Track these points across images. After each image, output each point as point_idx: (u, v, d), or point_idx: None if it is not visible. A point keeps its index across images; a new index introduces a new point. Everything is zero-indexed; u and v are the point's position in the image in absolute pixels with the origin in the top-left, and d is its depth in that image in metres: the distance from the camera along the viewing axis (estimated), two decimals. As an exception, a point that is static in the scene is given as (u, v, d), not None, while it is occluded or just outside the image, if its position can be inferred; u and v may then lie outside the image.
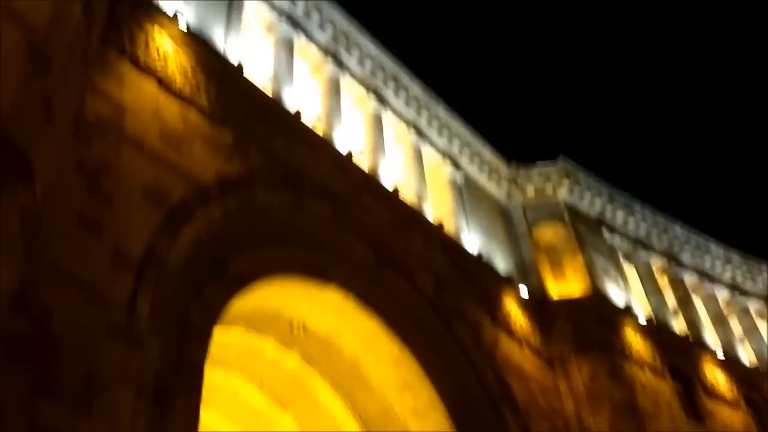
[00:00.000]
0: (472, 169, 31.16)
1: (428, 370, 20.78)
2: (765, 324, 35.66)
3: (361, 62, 27.15)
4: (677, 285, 33.90)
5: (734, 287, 36.19)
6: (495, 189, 32.06)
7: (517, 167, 32.84)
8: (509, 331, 24.54)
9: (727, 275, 36.32)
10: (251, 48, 23.30)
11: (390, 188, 23.67)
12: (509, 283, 27.09)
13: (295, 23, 24.87)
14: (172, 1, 19.43)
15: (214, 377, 18.01)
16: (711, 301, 34.87)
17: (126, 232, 13.74)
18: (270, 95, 21.37)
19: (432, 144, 29.33)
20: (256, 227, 17.85)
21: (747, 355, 33.37)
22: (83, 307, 12.15)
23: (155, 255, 13.85)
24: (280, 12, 24.62)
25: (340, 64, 26.18)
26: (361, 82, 27.02)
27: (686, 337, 31.15)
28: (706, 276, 35.55)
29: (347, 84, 26.28)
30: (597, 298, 28.41)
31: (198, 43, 18.54)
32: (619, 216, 33.87)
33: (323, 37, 25.98)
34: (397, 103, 28.34)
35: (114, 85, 15.53)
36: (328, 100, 24.73)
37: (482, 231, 28.80)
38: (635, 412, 24.70)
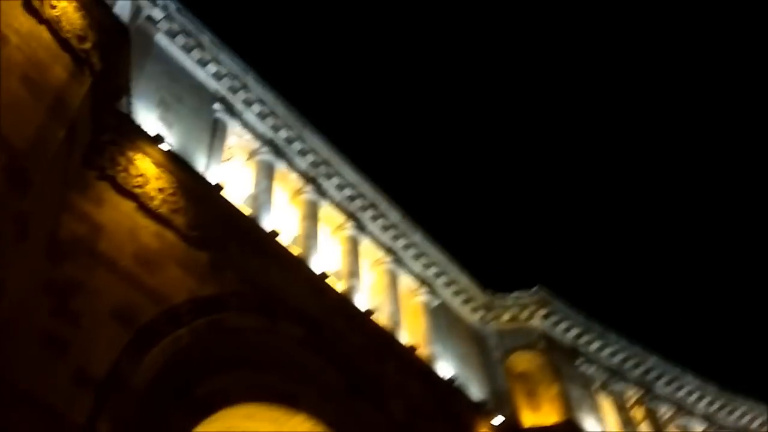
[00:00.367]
0: (448, 295, 31.19)
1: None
2: (740, 458, 34.98)
3: (340, 189, 27.62)
4: (652, 416, 33.34)
5: (710, 420, 35.64)
6: (470, 315, 32.02)
7: (493, 295, 32.93)
8: (482, 459, 23.79)
9: (703, 408, 35.86)
10: (232, 172, 23.73)
11: (364, 312, 23.50)
12: (483, 410, 26.51)
13: (276, 150, 25.48)
14: (155, 124, 19.94)
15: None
16: (686, 434, 34.27)
17: (91, 352, 13.43)
18: (249, 218, 21.51)
19: (408, 269, 29.44)
20: (226, 351, 17.49)
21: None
22: (40, 430, 11.75)
23: (118, 376, 13.50)
24: (263, 140, 25.29)
25: (319, 190, 26.64)
26: (340, 207, 27.40)
27: (662, 470, 30.38)
28: (681, 408, 35.07)
29: (325, 209, 26.61)
30: (571, 429, 27.82)
31: (179, 165, 18.80)
32: (595, 345, 33.71)
33: (304, 163, 26.55)
34: (375, 228, 28.65)
35: (91, 206, 15.59)
36: (305, 224, 24.98)
37: (457, 357, 28.50)
38: None
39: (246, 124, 24.97)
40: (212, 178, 20.39)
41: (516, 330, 32.29)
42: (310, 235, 24.53)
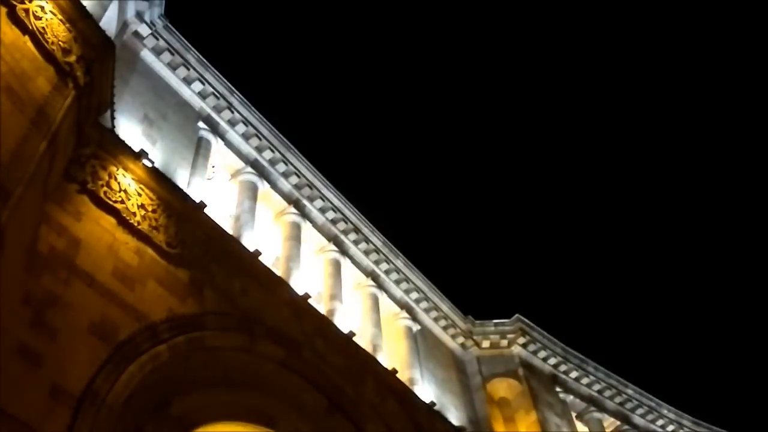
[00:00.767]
0: (429, 321, 31.10)
1: None
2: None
3: (323, 211, 27.48)
4: (630, 446, 33.30)
5: (685, 451, 35.69)
6: (451, 341, 31.93)
7: (474, 322, 32.87)
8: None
9: (679, 439, 35.90)
10: (215, 191, 23.52)
11: (345, 334, 23.22)
12: (461, 435, 26.24)
13: (260, 171, 25.33)
14: (139, 140, 19.72)
15: None
16: (663, 464, 34.25)
17: (67, 367, 13.12)
18: (231, 237, 21.25)
19: (390, 294, 29.32)
20: (204, 369, 17.21)
21: None
22: (12, 446, 11.40)
23: (95, 392, 13.19)
24: (247, 160, 25.15)
25: (302, 212, 26.49)
26: (322, 230, 27.27)
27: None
28: (658, 438, 35.10)
29: (308, 231, 26.46)
30: (550, 456, 27.62)
31: (161, 182, 18.57)
32: (573, 375, 33.73)
33: (287, 185, 26.41)
34: (357, 252, 28.54)
35: (71, 220, 15.31)
36: (288, 245, 24.78)
37: (436, 382, 28.28)
38: None
39: (230, 144, 24.84)
40: (195, 196, 20.14)
41: (496, 357, 32.22)
42: (292, 257, 24.32)
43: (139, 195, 17.66)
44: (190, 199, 19.61)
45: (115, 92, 17.86)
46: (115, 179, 17.16)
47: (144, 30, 22.64)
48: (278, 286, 21.39)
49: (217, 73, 24.88)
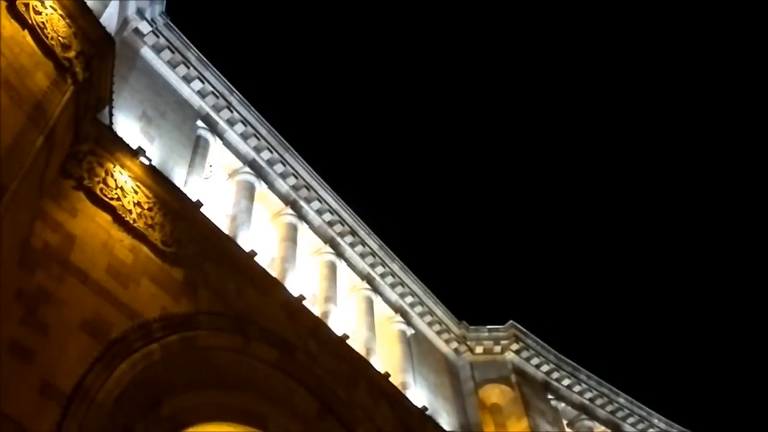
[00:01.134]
0: (423, 325, 31.07)
1: None
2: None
3: (320, 213, 27.42)
4: (620, 454, 33.30)
5: (676, 460, 35.73)
6: (444, 346, 31.91)
7: (468, 327, 32.82)
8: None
9: (669, 448, 35.93)
10: (212, 190, 23.40)
11: (339, 337, 23.11)
12: (453, 441, 26.18)
13: (258, 171, 25.24)
14: (137, 137, 19.60)
15: None
16: (653, 473, 34.24)
17: (58, 363, 13.00)
18: (227, 236, 21.12)
19: (384, 297, 29.27)
20: (196, 369, 17.07)
21: None
22: (0, 442, 11.29)
23: (85, 389, 13.06)
24: (245, 160, 25.06)
25: (299, 213, 26.41)
26: (318, 232, 27.19)
27: None
28: (648, 448, 35.11)
29: (305, 232, 26.38)
30: (541, 463, 27.55)
31: (157, 180, 18.44)
32: (566, 382, 33.74)
33: (285, 186, 26.32)
34: (353, 255, 28.49)
35: (66, 216, 15.17)
36: (284, 246, 24.69)
37: (429, 386, 28.21)
38: None
39: (228, 144, 24.75)
40: (192, 195, 20.03)
41: (489, 363, 32.18)
42: (288, 258, 24.23)
43: (136, 193, 17.54)
44: (187, 197, 19.49)
45: (114, 89, 17.73)
46: (112, 176, 17.03)
47: (144, 27, 22.54)
48: (273, 287, 21.27)
49: (217, 72, 24.79)
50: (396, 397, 24.40)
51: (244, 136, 25.34)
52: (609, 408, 34.53)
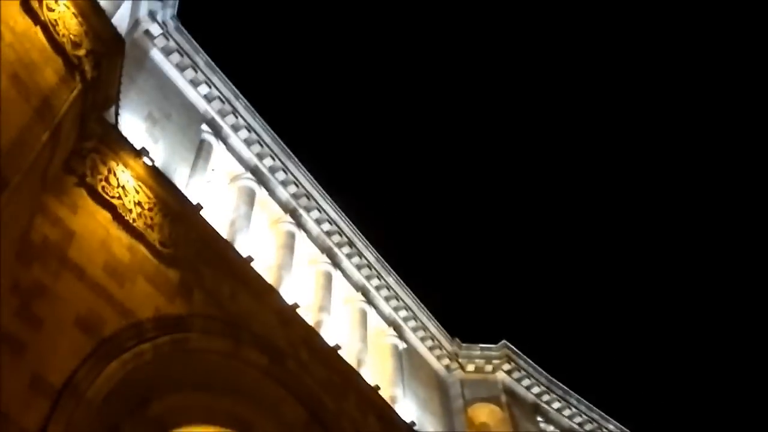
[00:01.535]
0: (416, 340, 31.15)
1: None
2: None
3: (319, 223, 27.55)
4: (606, 482, 33.25)
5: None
6: (436, 362, 32.00)
7: (460, 344, 32.87)
8: None
9: (657, 478, 35.95)
10: (213, 193, 23.53)
11: (331, 347, 23.19)
12: (440, 458, 26.20)
13: (259, 178, 25.40)
14: (141, 137, 19.77)
15: None
16: (640, 502, 34.19)
17: (49, 358, 13.08)
18: (224, 240, 21.24)
19: (378, 310, 29.36)
20: (187, 371, 17.16)
21: None
22: (-12, 434, 11.37)
23: (75, 385, 13.15)
24: (247, 166, 25.22)
25: (298, 221, 26.54)
26: (316, 241, 27.31)
27: None
28: (635, 476, 35.09)
29: (302, 241, 26.49)
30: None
31: (159, 181, 18.59)
32: (555, 405, 33.73)
33: (285, 194, 26.47)
34: (349, 266, 28.60)
35: (66, 212, 15.29)
36: (281, 254, 24.80)
37: (418, 401, 28.25)
38: None
39: (231, 149, 24.92)
40: (192, 198, 20.17)
41: (479, 381, 32.20)
42: (284, 265, 24.33)
43: (137, 192, 17.68)
44: (187, 200, 19.63)
45: (121, 89, 17.89)
46: (114, 175, 17.18)
47: (155, 29, 22.76)
48: (268, 293, 21.37)
49: (225, 77, 24.99)
50: (384, 411, 24.44)
51: (248, 143, 25.52)
52: (598, 434, 34.53)
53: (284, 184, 26.54)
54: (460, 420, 29.97)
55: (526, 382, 33.05)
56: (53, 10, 14.49)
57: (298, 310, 22.29)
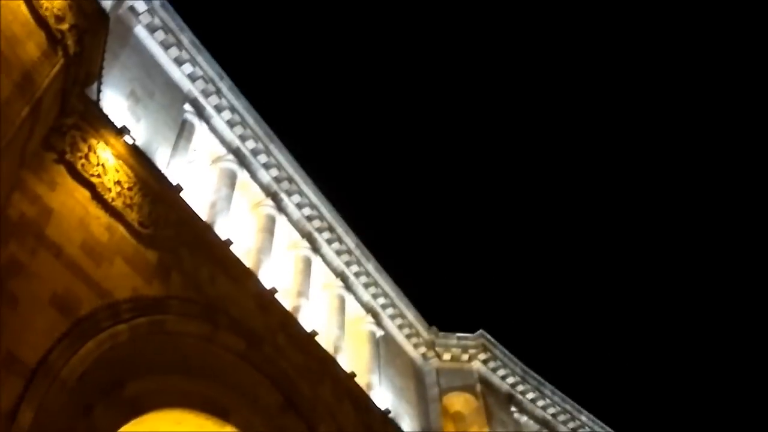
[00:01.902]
0: (393, 327, 31.21)
1: None
2: None
3: (300, 207, 27.44)
4: (579, 473, 33.65)
5: (634, 482, 36.21)
6: (412, 350, 32.11)
7: (437, 333, 33.00)
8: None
9: (628, 469, 36.43)
10: (194, 174, 23.35)
11: (308, 333, 23.19)
12: (413, 446, 26.36)
13: (241, 160, 25.24)
14: (123, 115, 19.56)
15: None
16: (611, 494, 34.65)
17: (24, 337, 12.95)
18: (204, 223, 21.12)
19: (357, 297, 29.38)
20: (163, 353, 17.06)
21: None
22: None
23: (49, 365, 13.04)
24: (229, 147, 25.05)
25: (279, 205, 26.43)
26: (297, 225, 27.22)
27: None
28: (607, 467, 35.52)
29: (282, 225, 26.40)
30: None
31: (140, 160, 18.42)
32: (530, 396, 34.01)
33: (267, 177, 26.33)
34: (329, 251, 28.53)
35: (45, 189, 15.10)
36: (260, 237, 24.71)
37: (394, 389, 28.36)
38: None
39: (214, 130, 24.72)
40: (173, 178, 20.02)
41: (455, 370, 32.38)
42: (264, 249, 24.25)
43: (117, 171, 17.50)
44: (167, 180, 19.48)
45: (104, 65, 17.70)
46: (95, 152, 16.99)
47: (140, 6, 22.48)
48: (246, 277, 21.32)
49: (210, 56, 24.74)
50: (360, 398, 24.54)
51: (231, 124, 25.33)
52: (571, 425, 34.85)
53: (266, 167, 26.39)
54: (434, 408, 30.15)
55: (502, 372, 33.29)
56: (37, -18, 14.25)
57: (276, 295, 22.26)
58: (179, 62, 23.86)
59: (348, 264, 29.24)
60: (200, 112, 24.17)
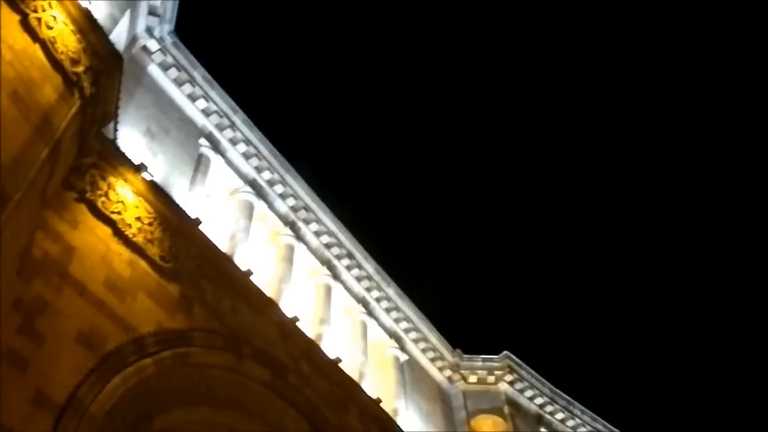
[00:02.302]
0: (417, 351, 31.25)
1: None
2: None
3: (318, 235, 27.71)
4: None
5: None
6: (437, 373, 32.08)
7: (462, 355, 32.95)
8: None
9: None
10: (212, 207, 23.71)
11: (332, 360, 23.31)
12: (443, 471, 26.26)
13: (258, 191, 25.59)
14: (140, 152, 19.98)
15: None
16: None
17: (52, 374, 13.25)
18: (224, 254, 21.39)
19: (379, 322, 29.47)
20: (189, 386, 17.31)
21: None
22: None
23: (78, 401, 13.31)
24: (245, 179, 25.42)
25: (297, 234, 26.71)
26: (316, 253, 27.46)
27: None
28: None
29: (302, 253, 26.65)
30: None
31: (159, 196, 18.78)
32: (559, 416, 33.73)
33: (284, 207, 26.65)
34: (349, 278, 28.72)
35: (67, 227, 15.50)
36: (280, 267, 24.96)
37: (420, 414, 28.33)
38: None
39: (230, 162, 25.12)
40: (191, 212, 20.36)
41: (482, 393, 32.26)
42: (284, 278, 24.48)
43: (137, 207, 17.87)
44: (186, 214, 19.81)
45: (120, 104, 18.11)
46: (114, 190, 17.38)
47: (153, 45, 23.00)
48: (268, 306, 21.53)
49: (222, 91, 25.22)
50: (387, 424, 24.54)
51: (246, 156, 25.72)
52: (602, 445, 34.55)
53: (283, 196, 26.72)
54: (463, 432, 30.07)
55: (529, 392, 33.11)
56: (52, 28, 14.68)
57: (298, 323, 22.43)
58: (193, 98, 24.34)
59: (369, 289, 29.40)
60: (215, 146, 24.58)
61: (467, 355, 33.04)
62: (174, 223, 18.96)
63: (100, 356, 14.51)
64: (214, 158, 24.24)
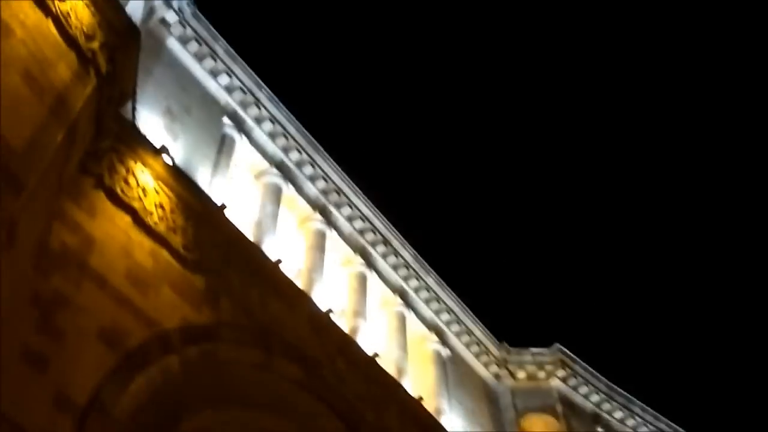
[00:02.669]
0: (460, 346, 31.24)
1: None
2: None
3: (350, 220, 27.78)
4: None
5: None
6: (483, 369, 32.05)
7: (509, 349, 32.86)
8: None
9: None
10: (237, 192, 23.92)
11: (369, 356, 23.44)
12: (490, 475, 26.35)
13: (285, 173, 25.71)
14: (160, 134, 20.19)
15: None
16: None
17: (73, 374, 13.43)
18: (251, 243, 21.58)
19: (418, 314, 29.52)
20: (217, 384, 17.52)
21: None
22: (12, 455, 11.75)
23: (101, 401, 13.52)
24: (272, 161, 25.54)
25: (328, 219, 26.81)
26: (349, 240, 27.55)
27: None
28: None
29: (334, 241, 26.77)
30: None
31: (181, 181, 18.95)
32: (618, 415, 33.55)
33: (314, 190, 26.75)
34: (385, 267, 28.80)
35: (85, 216, 15.66)
36: (311, 255, 25.11)
37: (465, 413, 28.39)
38: None
39: (255, 143, 25.27)
40: (215, 198, 20.54)
41: (532, 390, 32.20)
42: (315, 268, 24.63)
43: (157, 193, 18.03)
44: (211, 200, 20.01)
45: (137, 82, 18.28)
46: (133, 175, 17.54)
47: (171, 17, 23.16)
48: (299, 299, 21.69)
49: (246, 65, 25.34)
50: (429, 424, 24.63)
51: (272, 135, 25.84)
52: (666, 446, 34.31)
53: (312, 179, 26.81)
54: (512, 433, 30.07)
55: (584, 389, 32.95)
56: (64, 1, 14.82)
57: (332, 317, 22.58)
58: (215, 73, 24.49)
59: (406, 279, 29.43)
60: (240, 126, 24.74)
61: (514, 349, 32.95)
62: (197, 209, 19.11)
63: (123, 354, 14.64)
64: (239, 139, 24.39)
